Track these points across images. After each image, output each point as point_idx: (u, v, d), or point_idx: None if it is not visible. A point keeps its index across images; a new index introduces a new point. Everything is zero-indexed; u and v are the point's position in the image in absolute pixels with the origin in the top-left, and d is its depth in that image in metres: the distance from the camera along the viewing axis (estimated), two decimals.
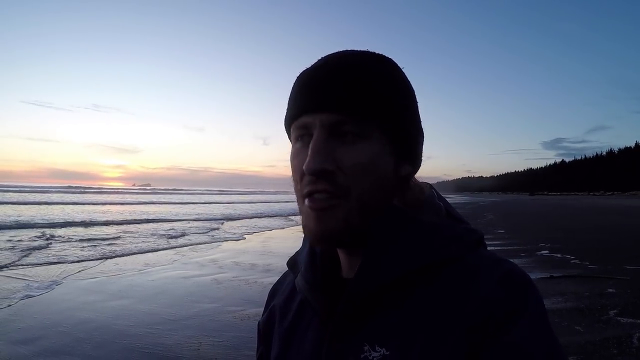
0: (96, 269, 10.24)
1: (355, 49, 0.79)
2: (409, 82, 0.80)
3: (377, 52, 0.79)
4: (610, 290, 7.63)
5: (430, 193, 0.84)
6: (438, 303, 0.69)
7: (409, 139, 0.78)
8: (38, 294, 7.61)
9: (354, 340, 0.73)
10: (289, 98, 0.79)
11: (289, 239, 17.52)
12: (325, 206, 0.72)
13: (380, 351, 0.70)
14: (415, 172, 0.82)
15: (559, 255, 11.92)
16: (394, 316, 0.71)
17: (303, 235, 0.88)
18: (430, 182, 0.89)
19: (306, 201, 0.74)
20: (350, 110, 0.71)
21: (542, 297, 0.69)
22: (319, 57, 0.79)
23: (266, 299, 1.04)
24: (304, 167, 0.71)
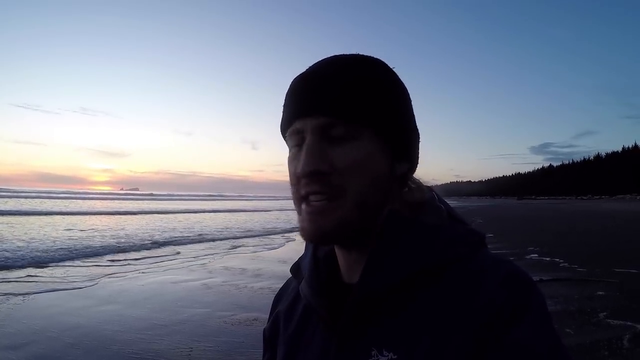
0: None
1: (345, 52, 0.80)
2: (399, 82, 0.81)
3: (366, 55, 0.80)
4: (600, 293, 7.69)
5: (431, 195, 0.85)
6: (443, 304, 0.69)
7: (402, 138, 0.79)
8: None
9: (361, 345, 0.73)
10: (283, 105, 0.81)
11: None
12: (321, 209, 0.73)
13: (387, 355, 0.70)
14: (413, 171, 0.84)
15: (547, 259, 12.01)
16: (400, 319, 0.72)
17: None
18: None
19: (303, 205, 0.76)
20: (338, 112, 0.73)
21: (544, 297, 0.70)
22: (311, 62, 0.81)
23: (271, 305, 1.04)
24: (298, 170, 0.74)
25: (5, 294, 7.88)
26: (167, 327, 6.15)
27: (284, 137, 0.82)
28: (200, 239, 18.12)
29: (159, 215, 35.27)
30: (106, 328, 6.08)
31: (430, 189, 0.88)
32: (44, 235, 17.48)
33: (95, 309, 7.07)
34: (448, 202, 0.85)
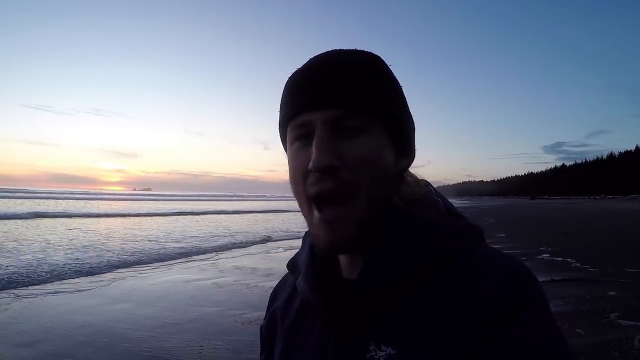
0: None
1: (345, 48, 0.79)
2: (396, 77, 0.81)
3: (366, 50, 0.79)
4: (611, 293, 7.61)
5: (428, 189, 0.85)
6: (443, 300, 0.69)
7: (404, 132, 0.78)
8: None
9: (359, 340, 0.73)
10: (283, 98, 0.79)
11: None
12: (337, 216, 0.72)
13: (386, 350, 0.70)
14: (409, 165, 0.83)
15: (559, 259, 11.88)
16: (399, 314, 0.71)
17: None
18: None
19: (316, 212, 0.73)
20: (352, 105, 0.71)
21: (544, 291, 0.69)
22: (310, 58, 0.79)
23: (268, 302, 1.04)
24: (310, 165, 0.70)
25: (18, 295, 7.95)
26: (177, 326, 6.17)
27: (283, 133, 0.80)
28: (238, 244, 16.60)
29: (184, 216, 34.15)
30: (117, 326, 6.12)
31: (427, 183, 0.87)
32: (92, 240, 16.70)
33: (106, 308, 7.11)
34: (460, 201, 0.83)
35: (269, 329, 0.96)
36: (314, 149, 0.70)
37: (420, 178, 0.87)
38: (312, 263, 0.85)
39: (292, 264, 0.94)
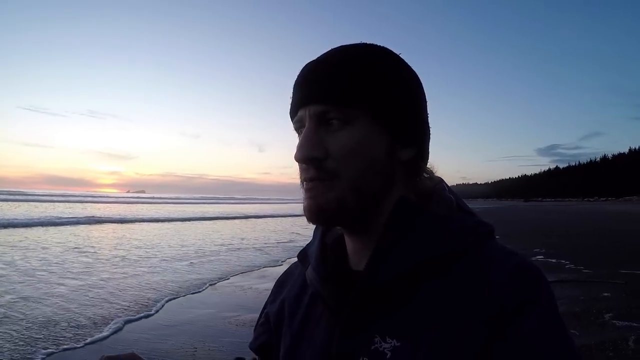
0: None
1: (350, 42, 0.83)
2: (402, 67, 0.82)
3: (369, 43, 0.82)
4: (605, 294, 7.65)
5: (441, 186, 0.86)
6: (450, 295, 0.69)
7: (404, 123, 0.79)
8: None
9: (365, 332, 0.74)
10: (291, 93, 0.84)
11: None
12: (318, 190, 0.76)
13: (391, 342, 0.70)
14: (423, 159, 0.83)
15: (553, 260, 11.96)
16: (405, 308, 0.72)
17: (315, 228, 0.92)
18: None
19: (304, 184, 0.79)
20: (334, 100, 0.75)
21: (552, 290, 0.69)
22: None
23: (272, 288, 1.06)
24: (294, 156, 0.78)
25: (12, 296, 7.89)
26: (172, 327, 6.17)
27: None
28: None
29: (199, 222, 31.45)
30: None
31: (441, 179, 0.88)
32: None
33: None
34: None
35: (277, 318, 0.97)
36: (299, 142, 0.78)
37: (435, 175, 0.89)
38: (323, 254, 0.87)
39: (303, 255, 0.94)
